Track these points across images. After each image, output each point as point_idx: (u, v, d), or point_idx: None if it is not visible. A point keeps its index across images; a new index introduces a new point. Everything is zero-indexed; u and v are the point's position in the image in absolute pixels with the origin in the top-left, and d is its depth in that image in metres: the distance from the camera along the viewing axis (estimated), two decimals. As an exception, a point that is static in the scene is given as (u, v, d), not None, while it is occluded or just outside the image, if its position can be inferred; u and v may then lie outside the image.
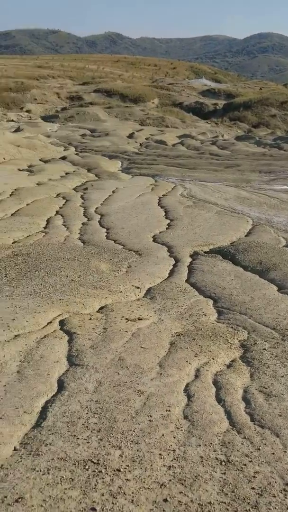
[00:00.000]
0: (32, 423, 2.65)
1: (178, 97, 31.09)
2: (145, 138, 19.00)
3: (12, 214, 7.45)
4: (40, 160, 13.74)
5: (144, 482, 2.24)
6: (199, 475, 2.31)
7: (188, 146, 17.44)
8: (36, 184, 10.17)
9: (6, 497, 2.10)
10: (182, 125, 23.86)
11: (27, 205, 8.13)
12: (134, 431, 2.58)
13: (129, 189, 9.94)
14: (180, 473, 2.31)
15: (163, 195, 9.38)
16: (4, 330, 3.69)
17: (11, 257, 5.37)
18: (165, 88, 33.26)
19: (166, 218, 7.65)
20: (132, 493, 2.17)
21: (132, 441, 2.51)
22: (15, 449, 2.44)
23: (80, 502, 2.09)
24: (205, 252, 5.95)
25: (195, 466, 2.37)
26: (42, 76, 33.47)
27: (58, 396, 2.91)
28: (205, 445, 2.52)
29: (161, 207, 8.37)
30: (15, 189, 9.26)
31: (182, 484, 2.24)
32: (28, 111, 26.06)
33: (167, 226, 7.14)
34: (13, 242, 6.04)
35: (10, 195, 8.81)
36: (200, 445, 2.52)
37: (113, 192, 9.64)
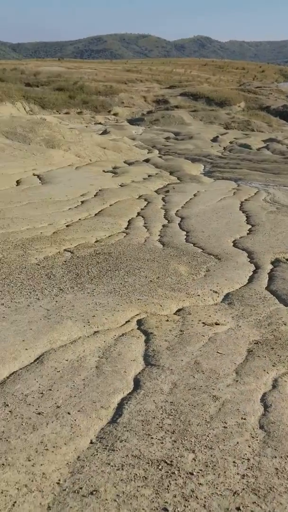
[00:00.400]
0: (108, 419, 2.71)
1: (265, 100, 30.45)
2: (229, 142, 18.77)
3: (95, 214, 7.65)
4: (124, 162, 13.99)
5: (217, 488, 2.22)
6: (273, 487, 2.25)
7: (274, 150, 17.03)
8: (120, 185, 10.37)
9: (81, 488, 2.17)
10: (268, 129, 23.34)
11: (110, 205, 8.31)
12: (208, 436, 2.57)
13: (211, 193, 9.89)
14: (254, 483, 2.27)
15: (245, 200, 9.23)
16: (84, 326, 3.80)
17: (93, 255, 5.53)
18: (252, 91, 32.70)
19: (248, 223, 7.52)
20: (205, 497, 2.15)
21: (206, 446, 2.50)
22: (91, 442, 2.51)
23: (153, 501, 2.11)
24: (287, 260, 5.79)
25: (270, 477, 2.31)
26: (130, 80, 34.09)
27: (134, 394, 2.95)
28: (281, 457, 2.46)
29: (243, 212, 8.24)
30: (99, 190, 9.50)
31: (256, 495, 2.20)
32: (115, 114, 26.66)
33: (248, 232, 7.03)
34: (96, 241, 6.20)
35: (95, 195, 9.05)
36: (275, 457, 2.45)
37: (194, 195, 9.63)
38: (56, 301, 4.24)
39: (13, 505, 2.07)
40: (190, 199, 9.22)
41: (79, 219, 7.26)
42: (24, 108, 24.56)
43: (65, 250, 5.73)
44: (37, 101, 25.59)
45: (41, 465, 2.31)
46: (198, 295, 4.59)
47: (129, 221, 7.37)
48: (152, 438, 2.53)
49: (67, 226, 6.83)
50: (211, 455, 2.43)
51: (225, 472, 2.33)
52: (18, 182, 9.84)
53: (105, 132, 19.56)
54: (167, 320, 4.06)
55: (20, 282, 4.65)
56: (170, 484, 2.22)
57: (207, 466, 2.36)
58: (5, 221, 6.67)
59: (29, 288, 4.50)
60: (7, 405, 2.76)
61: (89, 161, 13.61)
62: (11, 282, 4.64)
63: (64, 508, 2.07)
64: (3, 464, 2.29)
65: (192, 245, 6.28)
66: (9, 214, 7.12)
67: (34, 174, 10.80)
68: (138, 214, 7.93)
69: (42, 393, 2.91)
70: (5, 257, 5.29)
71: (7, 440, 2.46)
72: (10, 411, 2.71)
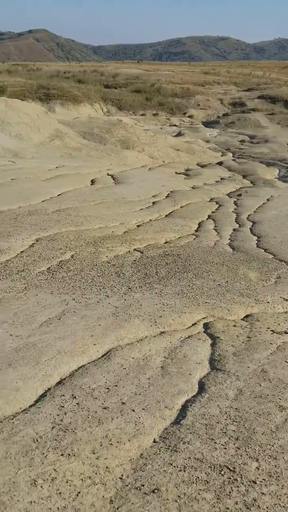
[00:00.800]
0: (171, 419, 2.72)
1: None
2: (307, 147, 18.24)
3: (166, 215, 7.69)
4: (197, 164, 13.96)
5: (279, 499, 2.16)
6: None
7: None
8: (191, 187, 10.36)
9: (143, 485, 2.19)
10: None
11: (181, 207, 8.33)
12: (273, 446, 2.51)
13: (285, 198, 9.65)
14: None
15: None
16: (151, 326, 3.84)
17: (162, 256, 5.56)
18: None
19: None
20: (267, 508, 2.11)
21: (270, 455, 2.44)
22: (154, 441, 2.52)
23: (214, 506, 2.09)
24: None
25: None
26: (207, 82, 33.97)
27: (198, 397, 2.94)
28: None
29: None
30: (171, 191, 9.55)
31: None
32: (190, 116, 26.64)
33: None
34: (165, 242, 6.22)
35: (166, 197, 9.10)
36: None
37: (268, 200, 9.44)
38: (125, 299, 4.30)
39: (77, 495, 2.13)
40: (263, 203, 9.05)
41: (150, 219, 7.32)
42: (102, 109, 25.10)
43: (135, 249, 5.80)
44: (114, 103, 26.07)
45: (105, 459, 2.36)
46: (268, 302, 4.50)
47: (199, 224, 7.35)
48: (216, 442, 2.51)
49: (137, 226, 6.91)
50: (275, 466, 2.38)
51: (289, 484, 2.27)
52: (92, 182, 10.08)
53: (179, 134, 19.61)
54: (235, 326, 4.01)
55: (91, 278, 4.76)
56: (232, 490, 2.19)
57: (270, 476, 2.31)
58: (79, 219, 6.85)
59: (99, 285, 4.60)
60: (75, 397, 2.85)
61: (162, 162, 13.70)
62: (83, 278, 4.76)
63: (126, 503, 2.10)
64: (69, 454, 2.36)
65: (263, 250, 6.16)
66: (83, 212, 7.31)
67: (108, 174, 11.02)
68: (209, 217, 7.88)
69: (108, 388, 2.96)
70: (77, 254, 5.44)
71: (73, 431, 2.54)
72: (77, 403, 2.79)
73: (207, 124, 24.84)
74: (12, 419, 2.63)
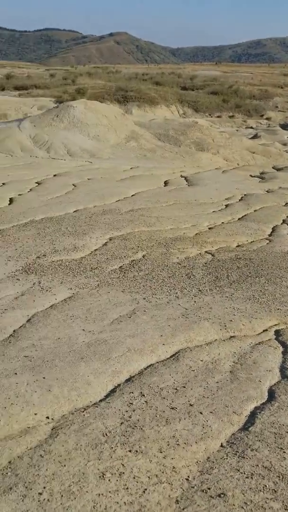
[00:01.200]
0: (240, 425, 2.69)
1: None
2: None
3: (239, 219, 7.59)
4: (272, 167, 13.66)
5: None
6: None
7: None
8: (266, 191, 10.15)
9: (209, 488, 2.18)
10: None
11: (254, 211, 8.18)
12: None
13: None
14: None
15: None
16: (221, 329, 3.81)
17: (234, 260, 5.49)
18: None
19: None
20: None
21: None
22: (221, 446, 2.51)
23: (281, 516, 2.05)
24: None
25: None
26: (287, 84, 33.16)
27: (267, 405, 2.88)
28: None
29: None
30: (244, 195, 9.40)
31: None
32: (268, 118, 26.12)
33: None
34: (237, 246, 6.14)
35: (240, 200, 8.98)
36: None
37: None
38: (195, 301, 4.30)
39: (144, 492, 2.15)
40: None
41: (222, 222, 7.25)
42: (178, 111, 25.17)
43: (206, 252, 5.77)
44: (190, 105, 26.06)
45: (172, 458, 2.37)
46: None
47: (273, 228, 7.18)
48: (285, 452, 2.45)
49: (209, 228, 6.86)
50: None
51: None
52: (166, 183, 10.13)
53: (255, 137, 19.28)
54: (308, 334, 3.89)
55: (161, 279, 4.79)
56: (301, 502, 2.13)
57: None
58: (151, 220, 6.92)
59: (169, 286, 4.62)
60: (143, 395, 2.88)
61: (236, 165, 13.53)
62: (153, 278, 4.81)
63: (192, 505, 2.10)
64: (136, 451, 2.40)
65: None
66: (156, 213, 7.36)
67: (181, 176, 11.03)
68: (284, 221, 7.69)
69: (176, 389, 2.98)
70: (149, 254, 5.49)
71: (141, 429, 2.57)
72: (145, 401, 2.82)
73: (285, 126, 24.23)
74: (83, 411, 2.71)
